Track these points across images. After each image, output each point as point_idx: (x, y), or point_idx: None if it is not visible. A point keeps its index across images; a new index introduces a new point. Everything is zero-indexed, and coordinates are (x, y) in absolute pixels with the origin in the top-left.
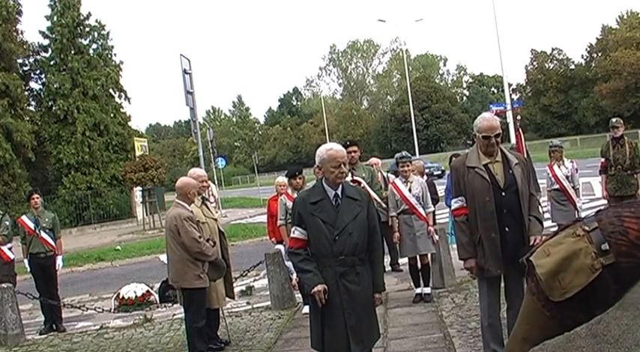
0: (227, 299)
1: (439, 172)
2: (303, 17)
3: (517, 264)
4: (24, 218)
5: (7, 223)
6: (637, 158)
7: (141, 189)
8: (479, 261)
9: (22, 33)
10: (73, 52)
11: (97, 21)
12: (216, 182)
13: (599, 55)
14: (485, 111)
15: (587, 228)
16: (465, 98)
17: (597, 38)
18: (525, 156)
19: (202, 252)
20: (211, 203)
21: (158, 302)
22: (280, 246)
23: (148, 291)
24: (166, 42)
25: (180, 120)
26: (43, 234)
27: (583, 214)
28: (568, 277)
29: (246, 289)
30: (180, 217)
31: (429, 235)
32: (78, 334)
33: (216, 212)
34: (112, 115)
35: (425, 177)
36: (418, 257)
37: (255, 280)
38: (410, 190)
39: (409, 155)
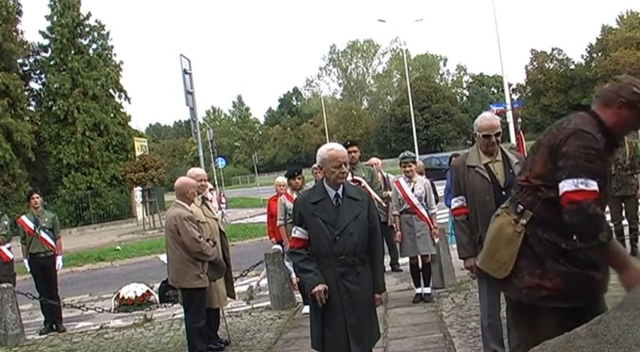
0: (228, 299)
1: None
2: (303, 17)
3: None
4: (24, 218)
5: (6, 223)
6: (637, 158)
7: (141, 189)
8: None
9: (22, 33)
10: (73, 52)
11: (97, 21)
12: (216, 182)
13: (599, 55)
14: (486, 111)
15: (503, 205)
16: (465, 98)
17: (597, 38)
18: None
19: (202, 252)
20: (222, 204)
21: (158, 302)
22: (278, 246)
23: (148, 291)
24: (166, 42)
25: (180, 120)
26: (43, 234)
27: None
28: (502, 252)
29: (248, 290)
30: (180, 217)
31: (431, 237)
32: (78, 334)
33: (220, 214)
34: (112, 115)
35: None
36: (419, 257)
37: (258, 282)
38: (413, 190)
39: (412, 155)
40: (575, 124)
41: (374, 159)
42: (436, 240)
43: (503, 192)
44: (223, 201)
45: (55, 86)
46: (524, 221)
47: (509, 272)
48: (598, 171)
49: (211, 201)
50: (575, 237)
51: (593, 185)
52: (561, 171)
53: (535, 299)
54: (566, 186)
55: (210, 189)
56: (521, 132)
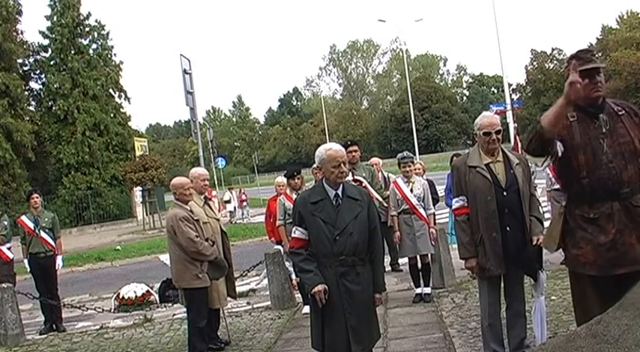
0: (228, 299)
1: None
2: (303, 17)
3: (518, 264)
4: (23, 218)
5: (6, 223)
6: None
7: (141, 189)
8: (480, 261)
9: (22, 33)
10: (73, 52)
11: (97, 21)
12: (216, 182)
13: (600, 55)
14: (486, 111)
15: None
16: (465, 98)
17: (597, 38)
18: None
19: (199, 252)
20: (244, 202)
21: (158, 302)
22: (279, 247)
23: (148, 291)
24: (166, 42)
25: (180, 120)
26: (43, 234)
27: None
28: (554, 232)
29: (248, 290)
30: (175, 218)
31: (430, 237)
32: (78, 334)
33: (241, 213)
34: (112, 115)
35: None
36: (418, 257)
37: (257, 283)
38: (412, 190)
39: (411, 155)
40: None
41: (374, 159)
42: (433, 241)
43: (504, 192)
44: (244, 198)
45: (55, 86)
46: (564, 202)
47: (557, 246)
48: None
49: (230, 200)
50: (602, 204)
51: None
52: None
53: (577, 267)
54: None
55: (230, 188)
56: (517, 137)
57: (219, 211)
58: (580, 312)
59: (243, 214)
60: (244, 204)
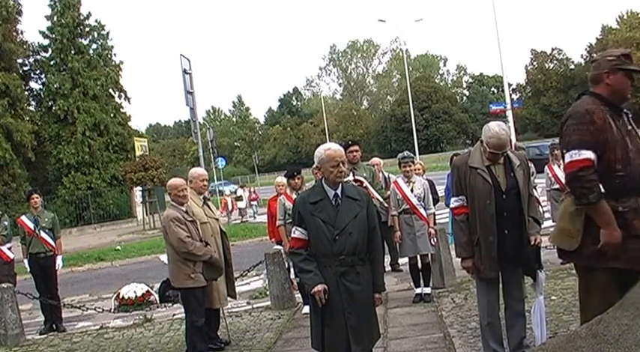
0: (229, 298)
1: None
2: (303, 17)
3: (516, 266)
4: (23, 218)
5: (6, 223)
6: None
7: (141, 189)
8: (475, 262)
9: (22, 33)
10: (73, 52)
11: (97, 21)
12: (215, 182)
13: (600, 55)
14: (495, 122)
15: (567, 191)
16: (465, 98)
17: (597, 38)
18: None
19: (189, 252)
20: (254, 202)
21: (158, 302)
22: (279, 247)
23: (148, 291)
24: (166, 42)
25: (180, 120)
26: (43, 234)
27: None
28: (570, 226)
29: (257, 291)
30: (167, 218)
31: (429, 236)
32: (78, 334)
33: (251, 212)
34: (112, 115)
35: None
36: (419, 257)
37: (264, 282)
38: (412, 190)
39: (411, 155)
40: (572, 107)
41: (375, 160)
42: (433, 241)
43: (504, 195)
44: (254, 196)
45: (55, 86)
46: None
47: (578, 243)
48: (589, 141)
49: (240, 198)
50: (629, 199)
51: (585, 154)
52: (563, 148)
53: (600, 262)
54: (566, 158)
55: (242, 186)
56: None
57: (233, 209)
58: (598, 309)
59: (252, 213)
60: (252, 203)
